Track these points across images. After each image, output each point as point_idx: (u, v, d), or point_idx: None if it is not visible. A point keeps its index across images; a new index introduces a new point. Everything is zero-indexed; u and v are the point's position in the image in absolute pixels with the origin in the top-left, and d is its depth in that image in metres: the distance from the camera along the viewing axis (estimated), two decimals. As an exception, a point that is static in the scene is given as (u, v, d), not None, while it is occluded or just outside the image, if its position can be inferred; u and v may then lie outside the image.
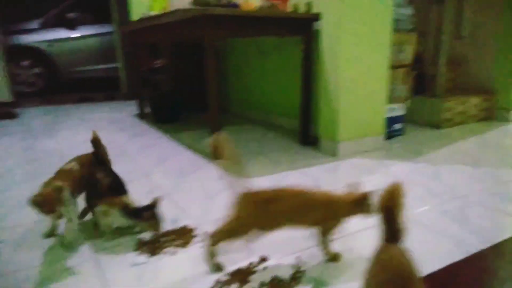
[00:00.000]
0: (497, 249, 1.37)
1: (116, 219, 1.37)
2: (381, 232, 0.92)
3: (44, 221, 1.56)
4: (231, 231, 1.17)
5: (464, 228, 1.52)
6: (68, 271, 1.22)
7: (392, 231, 0.90)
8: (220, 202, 1.77)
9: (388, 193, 0.90)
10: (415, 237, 1.44)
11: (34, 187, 1.97)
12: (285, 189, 1.19)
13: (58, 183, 1.27)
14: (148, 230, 1.43)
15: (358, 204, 1.16)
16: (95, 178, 1.41)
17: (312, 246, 1.36)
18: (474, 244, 1.39)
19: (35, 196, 1.23)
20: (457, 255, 1.32)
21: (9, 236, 1.46)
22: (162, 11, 2.96)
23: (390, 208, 0.90)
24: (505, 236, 1.46)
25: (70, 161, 1.53)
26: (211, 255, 1.20)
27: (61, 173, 1.43)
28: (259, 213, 1.15)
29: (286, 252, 1.35)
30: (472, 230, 1.50)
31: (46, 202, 1.22)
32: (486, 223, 1.57)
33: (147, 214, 1.36)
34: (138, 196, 1.84)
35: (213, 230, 1.20)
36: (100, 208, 1.38)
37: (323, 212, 1.18)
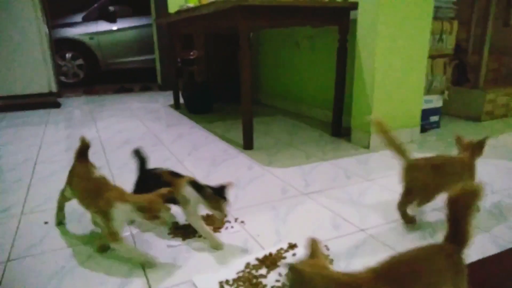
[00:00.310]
0: (536, 247, 1.32)
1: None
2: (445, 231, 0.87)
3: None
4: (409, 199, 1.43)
5: (500, 224, 1.46)
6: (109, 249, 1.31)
7: (457, 232, 0.84)
8: (249, 190, 1.81)
9: (466, 192, 0.83)
10: (448, 231, 1.41)
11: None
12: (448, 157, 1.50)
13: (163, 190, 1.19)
14: (213, 210, 1.31)
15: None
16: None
17: (340, 236, 1.37)
18: (509, 240, 1.34)
19: (140, 202, 1.16)
20: (491, 250, 1.29)
21: (52, 217, 1.57)
22: (198, 3, 3.03)
23: (463, 207, 0.83)
24: (546, 233, 1.40)
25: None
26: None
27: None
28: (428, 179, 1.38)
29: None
30: (508, 226, 1.45)
31: (151, 208, 1.15)
32: (526, 219, 1.50)
33: (213, 194, 1.28)
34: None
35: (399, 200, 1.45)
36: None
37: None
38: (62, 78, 5.53)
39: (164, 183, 1.30)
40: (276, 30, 3.80)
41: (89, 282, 1.14)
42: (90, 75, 5.89)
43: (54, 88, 4.36)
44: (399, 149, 1.41)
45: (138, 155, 1.51)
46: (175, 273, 1.18)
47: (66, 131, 3.05)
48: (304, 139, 2.72)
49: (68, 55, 5.67)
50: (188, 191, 1.31)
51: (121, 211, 1.16)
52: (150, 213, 1.14)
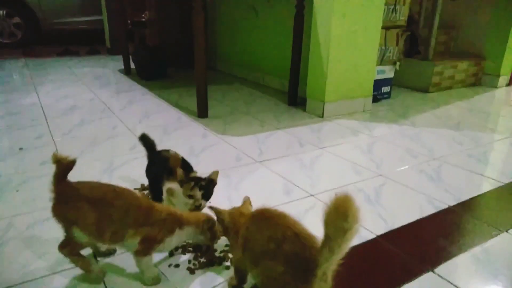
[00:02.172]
0: (465, 206, 1.42)
1: (181, 199, 1.16)
2: None
3: (23, 173, 1.56)
4: None
5: (438, 187, 1.56)
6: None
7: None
8: (203, 158, 1.78)
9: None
10: (391, 194, 1.48)
11: (15, 139, 1.95)
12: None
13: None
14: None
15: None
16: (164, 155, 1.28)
17: (291, 201, 1.39)
18: (445, 201, 1.44)
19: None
20: (428, 211, 1.37)
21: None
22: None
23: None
24: (475, 194, 1.52)
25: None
26: None
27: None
28: None
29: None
30: (445, 189, 1.55)
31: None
32: (460, 182, 1.62)
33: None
34: (121, 151, 1.84)
35: None
36: (168, 184, 1.19)
37: None
38: (-3, 38, 5.00)
39: (169, 169, 1.19)
40: (233, -7, 3.65)
41: None
42: (30, 36, 5.36)
43: (-14, 49, 3.92)
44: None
45: (145, 140, 1.36)
46: None
47: (2, 96, 2.79)
48: (260, 108, 2.70)
49: (2, 12, 5.10)
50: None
51: (185, 234, 0.99)
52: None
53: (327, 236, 0.71)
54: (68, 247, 0.94)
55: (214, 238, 1.05)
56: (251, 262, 0.85)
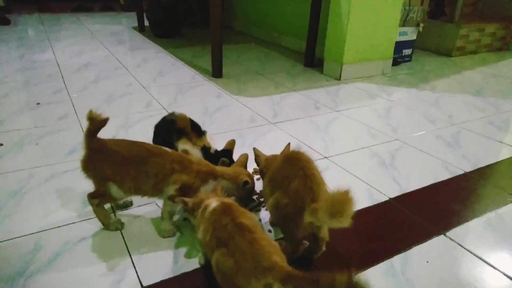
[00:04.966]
0: (481, 172, 1.40)
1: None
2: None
3: (41, 128, 1.59)
4: None
5: (455, 153, 1.54)
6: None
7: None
8: (217, 118, 1.78)
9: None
10: (406, 159, 1.47)
11: (32, 94, 1.97)
12: None
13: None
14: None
15: None
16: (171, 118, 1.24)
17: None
18: (461, 167, 1.42)
19: None
20: (444, 176, 1.36)
21: (9, 140, 1.48)
22: None
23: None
24: (492, 161, 1.49)
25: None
26: None
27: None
28: None
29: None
30: (462, 155, 1.52)
31: None
32: (478, 149, 1.58)
33: (225, 160, 1.15)
34: (137, 109, 1.85)
35: None
36: (181, 146, 1.17)
37: None
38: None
39: (178, 130, 1.18)
40: None
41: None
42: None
43: (0, 2, 3.89)
44: None
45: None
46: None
47: (18, 51, 2.79)
48: (276, 69, 2.64)
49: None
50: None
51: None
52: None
53: (315, 211, 0.78)
54: (98, 199, 0.97)
55: (249, 198, 1.08)
56: (269, 193, 0.93)
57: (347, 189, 0.73)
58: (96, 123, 0.92)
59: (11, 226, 1.02)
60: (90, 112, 0.92)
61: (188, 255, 0.94)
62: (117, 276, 0.87)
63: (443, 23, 3.20)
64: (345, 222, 0.72)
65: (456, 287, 0.88)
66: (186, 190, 0.95)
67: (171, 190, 0.95)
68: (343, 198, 0.72)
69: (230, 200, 0.86)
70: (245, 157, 1.12)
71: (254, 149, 1.10)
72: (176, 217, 1.07)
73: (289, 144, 1.08)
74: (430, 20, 3.16)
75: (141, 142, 0.99)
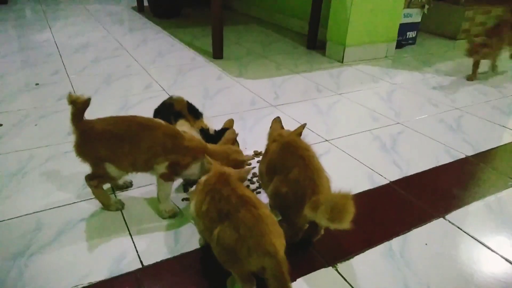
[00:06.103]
0: (483, 156, 1.40)
1: None
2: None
3: (40, 108, 1.58)
4: None
5: (456, 137, 1.53)
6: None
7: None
8: (217, 100, 1.76)
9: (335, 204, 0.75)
10: (407, 142, 1.46)
11: (31, 74, 1.95)
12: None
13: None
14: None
15: None
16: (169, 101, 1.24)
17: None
18: (463, 151, 1.41)
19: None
20: (445, 160, 1.36)
21: (8, 120, 1.47)
22: None
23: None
24: (493, 145, 1.48)
25: None
26: None
27: None
28: None
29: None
30: (464, 139, 1.51)
31: None
32: (480, 133, 1.57)
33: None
34: (136, 90, 1.83)
35: None
36: (179, 127, 1.13)
37: None
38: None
39: (175, 112, 1.17)
40: None
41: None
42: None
43: (-3, -19, 3.80)
44: None
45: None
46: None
47: (16, 31, 2.75)
48: (278, 51, 2.60)
49: None
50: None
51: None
52: None
53: (315, 211, 0.76)
54: (96, 180, 0.97)
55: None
56: (268, 180, 0.92)
57: (348, 192, 0.73)
58: (78, 105, 0.90)
59: (12, 205, 1.02)
60: (70, 95, 0.89)
61: (188, 236, 0.95)
62: (118, 256, 0.87)
63: (449, 5, 3.14)
64: (344, 226, 0.73)
65: (454, 269, 0.89)
66: (176, 168, 0.94)
67: (162, 167, 0.94)
68: (343, 203, 0.72)
69: (227, 169, 0.84)
70: (232, 133, 1.08)
71: (276, 118, 1.08)
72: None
73: (300, 126, 1.01)
74: (435, 1, 3.09)
75: (132, 116, 0.96)
